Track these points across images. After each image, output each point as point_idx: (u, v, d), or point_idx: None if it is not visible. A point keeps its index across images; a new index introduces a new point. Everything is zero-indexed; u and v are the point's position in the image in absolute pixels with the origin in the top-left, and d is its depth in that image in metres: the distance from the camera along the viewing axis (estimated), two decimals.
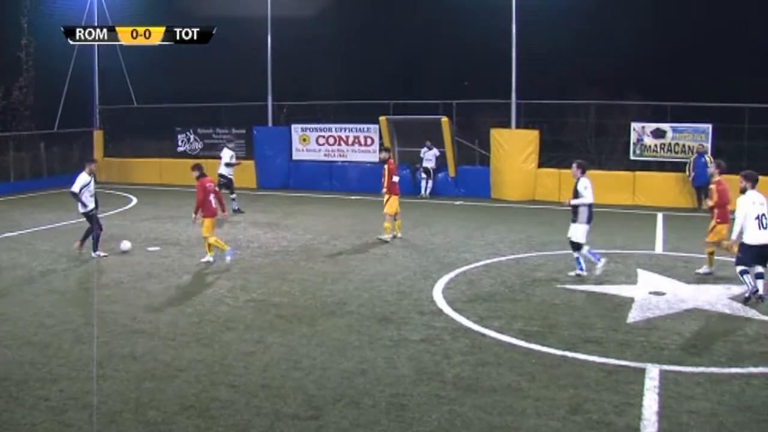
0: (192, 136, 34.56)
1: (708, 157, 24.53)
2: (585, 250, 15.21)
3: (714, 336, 11.42)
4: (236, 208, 24.61)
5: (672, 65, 28.55)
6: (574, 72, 29.90)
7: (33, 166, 34.39)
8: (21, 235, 21.05)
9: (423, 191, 28.44)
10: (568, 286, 14.37)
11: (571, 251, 15.40)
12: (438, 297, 13.70)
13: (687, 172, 25.29)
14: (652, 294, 13.71)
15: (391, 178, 19.55)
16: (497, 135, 27.42)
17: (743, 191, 13.30)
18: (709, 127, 25.76)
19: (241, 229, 21.51)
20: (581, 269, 15.22)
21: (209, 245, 17.07)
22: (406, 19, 33.23)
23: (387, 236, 19.37)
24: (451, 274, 15.47)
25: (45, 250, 18.75)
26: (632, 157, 26.67)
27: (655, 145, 26.38)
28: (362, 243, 19.14)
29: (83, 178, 17.28)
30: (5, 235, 21.03)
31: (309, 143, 31.53)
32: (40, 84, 36.26)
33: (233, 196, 24.76)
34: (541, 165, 27.36)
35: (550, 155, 27.75)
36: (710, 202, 15.60)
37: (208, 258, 16.97)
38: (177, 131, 34.97)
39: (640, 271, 15.45)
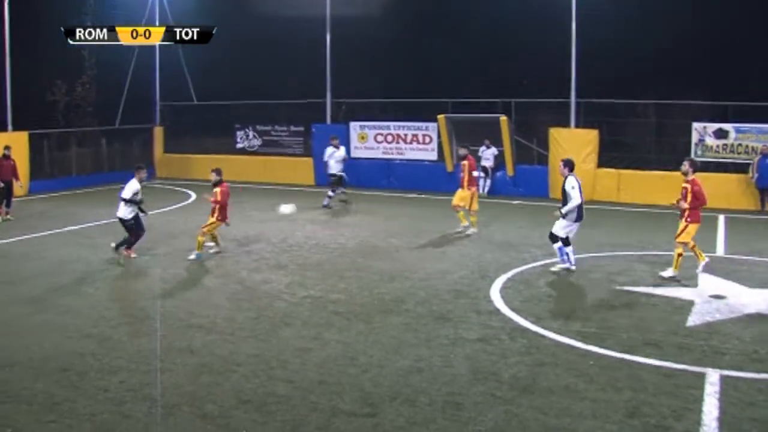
0: (251, 133, 34.86)
1: None
2: (569, 248, 15.46)
3: None
4: (326, 204, 25.29)
5: (735, 63, 28.10)
6: (634, 71, 29.61)
7: (94, 161, 34.99)
8: (82, 229, 21.47)
9: (481, 190, 28.29)
10: (626, 288, 14.22)
11: (628, 253, 15.26)
12: (495, 296, 13.66)
13: (750, 174, 24.87)
14: (713, 297, 13.49)
15: (471, 173, 20.01)
16: (556, 134, 27.24)
17: None
18: None
19: (299, 225, 21.64)
20: (569, 262, 15.45)
21: (200, 243, 17.36)
22: (465, 17, 33.19)
23: (472, 229, 20.19)
24: (509, 274, 15.42)
25: (105, 244, 19.01)
26: (693, 158, 26.21)
27: (717, 146, 25.97)
28: (419, 241, 19.14)
29: (133, 185, 17.12)
30: (67, 228, 21.47)
31: (367, 141, 31.60)
32: (102, 81, 36.98)
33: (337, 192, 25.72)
34: (600, 165, 27.09)
35: (610, 155, 27.46)
36: None
37: (195, 255, 17.25)
38: (236, 128, 35.28)
39: (700, 274, 15.23)
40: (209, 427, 8.32)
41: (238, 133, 35.25)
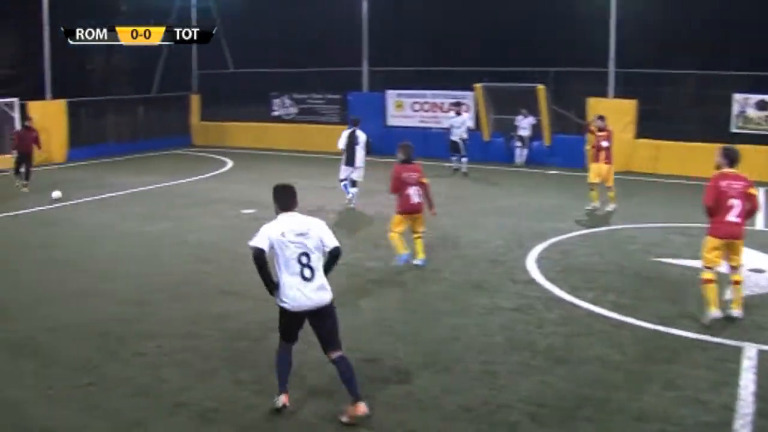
0: (287, 101, 34.90)
1: None
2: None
3: None
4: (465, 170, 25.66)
5: None
6: (673, 40, 29.16)
7: (131, 129, 35.25)
8: (118, 196, 21.73)
9: (517, 159, 28.23)
10: (663, 260, 14.11)
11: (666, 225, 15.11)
12: (531, 266, 13.65)
13: None
14: (752, 271, 13.25)
15: (601, 145, 18.86)
16: (594, 104, 26.97)
17: None
18: None
19: (336, 193, 21.65)
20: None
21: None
22: None
23: (612, 204, 19.00)
24: (545, 244, 15.36)
25: (140, 211, 19.28)
26: (733, 130, 25.88)
27: (759, 118, 25.59)
28: (456, 210, 19.09)
29: None
30: (103, 196, 21.71)
31: (404, 109, 31.52)
32: (139, 49, 37.07)
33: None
34: (637, 135, 26.82)
35: (648, 125, 27.15)
36: None
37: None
38: (272, 96, 35.33)
39: None
40: (244, 392, 8.45)
41: (274, 101, 35.29)
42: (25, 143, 22.69)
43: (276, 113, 35.31)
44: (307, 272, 7.68)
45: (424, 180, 13.88)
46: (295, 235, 7.82)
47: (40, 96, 29.28)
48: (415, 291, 12.26)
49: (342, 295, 11.90)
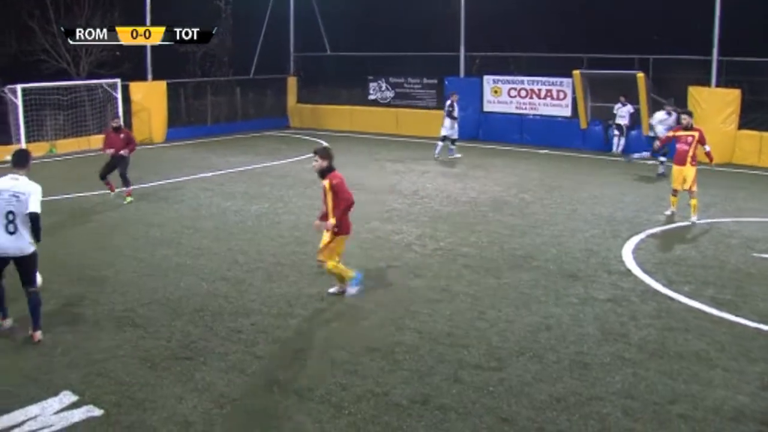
0: (384, 85, 35.01)
1: None
2: None
3: None
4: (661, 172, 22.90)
5: None
6: None
7: (228, 110, 35.86)
8: (216, 176, 22.16)
9: (615, 148, 27.75)
10: (765, 256, 13.72)
11: (767, 219, 14.67)
12: (627, 257, 13.45)
13: None
14: None
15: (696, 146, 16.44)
16: (695, 93, 26.30)
17: None
18: None
19: (430, 178, 21.74)
20: None
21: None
22: None
23: (693, 217, 16.49)
24: (642, 235, 15.12)
25: (238, 191, 19.64)
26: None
27: None
28: (551, 197, 18.95)
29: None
30: (201, 175, 22.19)
31: (501, 95, 31.31)
32: (237, 31, 37.76)
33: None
34: (741, 126, 26.09)
35: (752, 116, 26.38)
36: None
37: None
38: (369, 79, 35.49)
39: None
40: (337, 372, 8.57)
41: (371, 84, 35.44)
42: (114, 146, 18.19)
43: (372, 97, 35.46)
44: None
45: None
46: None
47: (141, 77, 30.01)
48: (509, 278, 12.21)
49: (436, 279, 12.01)
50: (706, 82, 26.75)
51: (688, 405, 7.82)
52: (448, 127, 25.66)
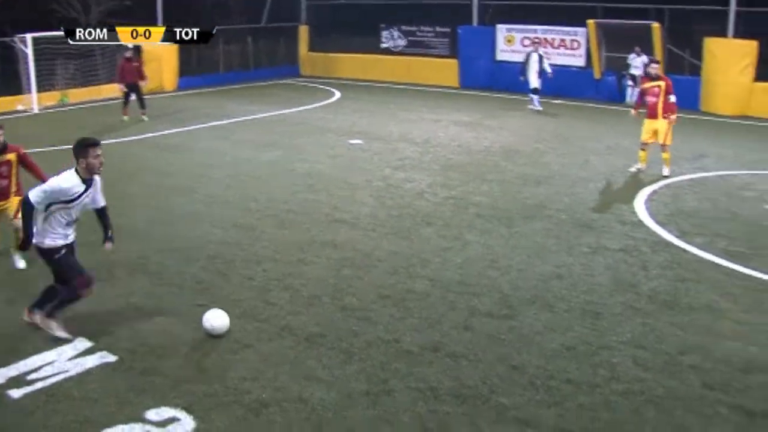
0: (396, 33, 34.72)
1: None
2: None
3: None
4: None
5: None
6: None
7: (240, 59, 35.63)
8: (228, 125, 22.15)
9: (628, 98, 27.54)
10: None
11: None
12: (640, 208, 13.42)
13: None
14: None
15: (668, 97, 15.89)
16: (711, 44, 26.00)
17: None
18: None
19: (442, 127, 21.65)
20: None
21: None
22: None
23: (665, 169, 16.09)
24: (654, 186, 15.05)
25: (251, 139, 19.62)
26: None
27: None
28: (565, 148, 18.85)
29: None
30: (213, 123, 22.17)
31: (514, 44, 31.01)
32: None
33: None
34: (757, 79, 25.81)
35: None
36: None
37: None
38: (381, 28, 35.18)
39: None
40: (349, 318, 8.63)
41: (383, 32, 35.13)
42: (129, 75, 22.47)
43: (385, 45, 35.18)
44: None
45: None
46: None
47: (152, 26, 29.74)
48: (521, 227, 12.20)
49: (447, 228, 12.02)
50: (723, 34, 26.42)
51: (698, 356, 7.83)
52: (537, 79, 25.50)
